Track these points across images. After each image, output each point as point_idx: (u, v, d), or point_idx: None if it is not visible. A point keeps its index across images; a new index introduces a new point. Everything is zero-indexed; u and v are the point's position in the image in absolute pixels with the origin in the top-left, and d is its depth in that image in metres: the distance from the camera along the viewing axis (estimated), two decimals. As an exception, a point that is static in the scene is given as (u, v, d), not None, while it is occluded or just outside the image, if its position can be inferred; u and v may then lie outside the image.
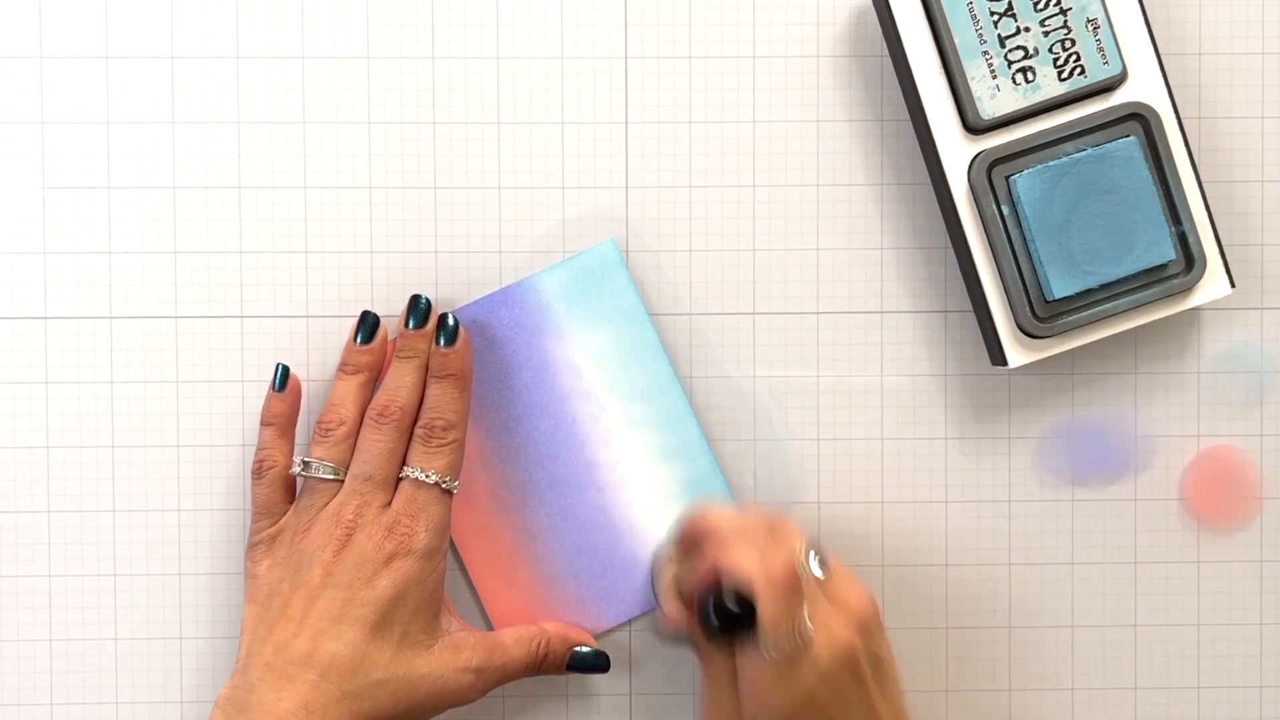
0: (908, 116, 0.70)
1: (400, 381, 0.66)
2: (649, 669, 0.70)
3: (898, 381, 0.70)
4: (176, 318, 0.69)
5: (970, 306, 0.70)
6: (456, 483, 0.65)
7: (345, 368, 0.67)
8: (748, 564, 0.60)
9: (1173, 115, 0.67)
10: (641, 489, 0.69)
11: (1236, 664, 0.71)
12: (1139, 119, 0.66)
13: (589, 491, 0.69)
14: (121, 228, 0.69)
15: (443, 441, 0.65)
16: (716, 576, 0.61)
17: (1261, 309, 0.70)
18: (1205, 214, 0.67)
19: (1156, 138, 0.66)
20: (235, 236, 0.69)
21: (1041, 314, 0.67)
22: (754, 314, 0.70)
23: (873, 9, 0.69)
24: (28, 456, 0.69)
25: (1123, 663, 0.71)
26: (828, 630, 0.60)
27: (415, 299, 0.67)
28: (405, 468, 0.65)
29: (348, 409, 0.66)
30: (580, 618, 0.69)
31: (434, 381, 0.66)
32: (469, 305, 0.69)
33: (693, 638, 0.63)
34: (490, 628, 0.69)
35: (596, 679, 0.70)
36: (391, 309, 0.69)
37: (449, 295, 0.69)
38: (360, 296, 0.69)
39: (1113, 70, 0.66)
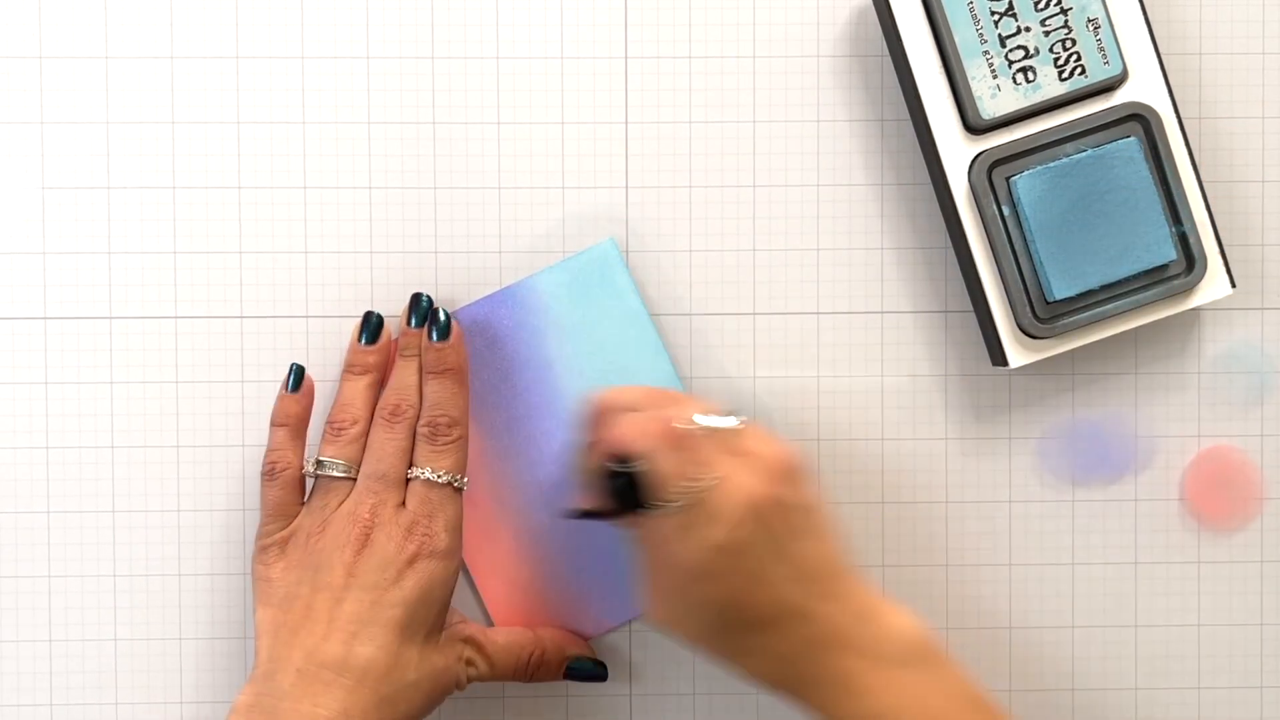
0: (908, 116, 0.69)
1: (407, 380, 0.66)
2: (648, 670, 0.70)
3: (898, 381, 0.70)
4: (176, 318, 0.69)
5: (970, 306, 0.70)
6: (465, 479, 0.65)
7: (352, 369, 0.67)
8: (629, 424, 0.60)
9: (1173, 115, 0.67)
10: (641, 489, 0.69)
11: (1236, 664, 0.71)
12: (1139, 119, 0.66)
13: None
14: (121, 228, 0.69)
15: (448, 439, 0.65)
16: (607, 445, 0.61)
17: (1262, 309, 0.70)
18: (1205, 214, 0.67)
19: (1157, 138, 0.66)
20: (235, 236, 0.69)
21: (1042, 314, 0.67)
22: (754, 314, 0.70)
23: (873, 9, 0.69)
24: (28, 456, 0.69)
25: (1123, 663, 0.71)
26: (729, 481, 0.59)
27: (416, 297, 0.67)
28: (413, 468, 0.65)
29: (359, 409, 0.66)
30: (581, 618, 0.69)
31: (432, 378, 0.66)
32: (469, 305, 0.69)
33: (600, 513, 0.63)
34: (492, 626, 0.69)
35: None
36: (392, 309, 0.69)
37: (449, 295, 0.69)
38: (360, 296, 0.69)
39: (1113, 70, 0.66)
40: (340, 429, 0.66)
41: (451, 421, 0.65)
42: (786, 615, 0.60)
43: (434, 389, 0.66)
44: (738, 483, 0.59)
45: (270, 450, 0.66)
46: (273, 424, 0.67)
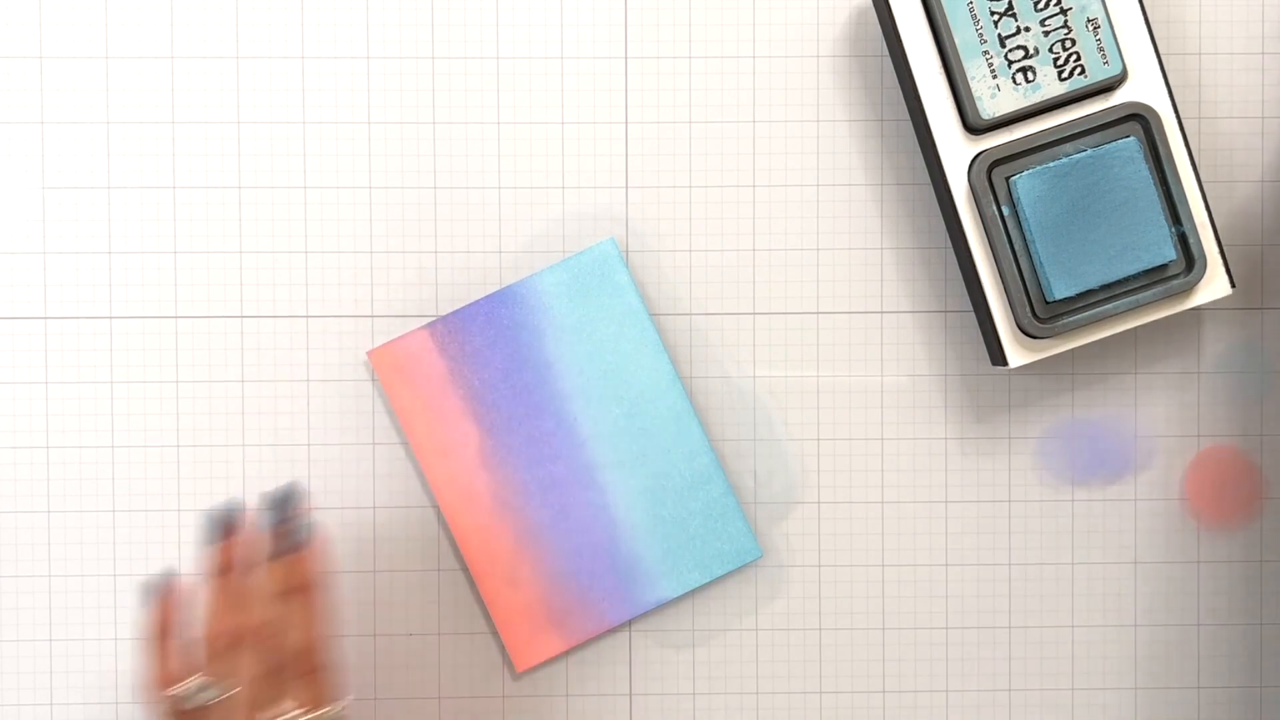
0: (908, 116, 0.69)
1: (256, 596, 0.58)
2: (649, 669, 0.70)
3: (898, 381, 0.70)
4: (176, 318, 0.69)
5: (970, 306, 0.70)
6: (343, 705, 0.58)
7: (209, 570, 0.60)
8: None
9: (1173, 115, 0.67)
10: (642, 489, 0.69)
11: (1236, 664, 0.71)
12: (1139, 119, 0.66)
13: (590, 491, 0.69)
14: (121, 228, 0.69)
15: (309, 669, 0.57)
16: None
17: (1261, 309, 0.70)
18: (1205, 214, 0.67)
19: (1156, 138, 0.66)
20: (235, 236, 0.69)
21: (1042, 314, 0.67)
22: (754, 314, 0.70)
23: (873, 9, 0.69)
24: (28, 456, 0.69)
25: (1123, 663, 0.71)
26: None
27: (276, 493, 0.59)
28: (283, 703, 0.57)
29: (220, 619, 0.58)
30: (582, 617, 0.69)
31: (282, 597, 0.58)
32: (470, 305, 0.69)
33: None
34: (493, 628, 0.69)
35: (596, 679, 0.70)
36: (391, 309, 0.69)
37: (449, 295, 0.69)
38: (360, 296, 0.69)
39: (1113, 70, 0.66)
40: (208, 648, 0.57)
41: (311, 649, 0.57)
42: None
43: (288, 610, 0.57)
44: None
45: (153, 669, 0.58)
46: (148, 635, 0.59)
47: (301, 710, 0.56)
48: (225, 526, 0.59)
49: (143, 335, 0.69)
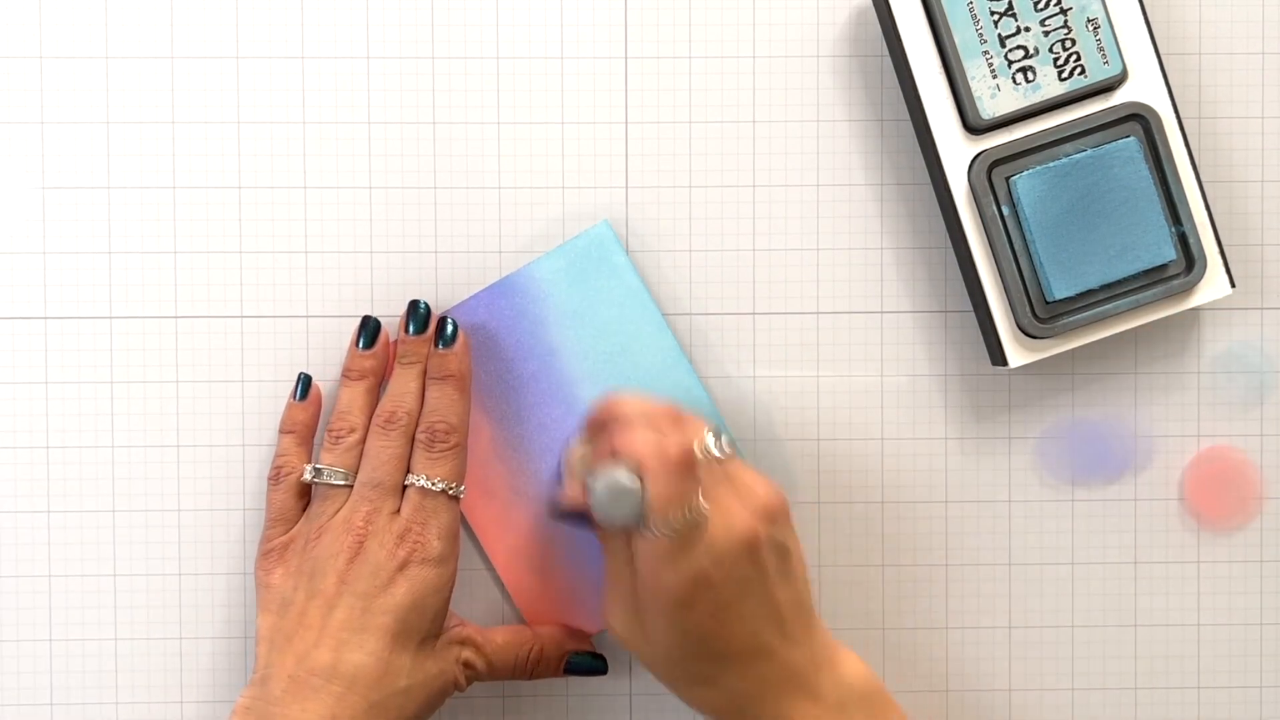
0: (908, 116, 0.69)
1: (404, 387, 0.66)
2: (649, 669, 0.70)
3: (898, 381, 0.70)
4: (176, 318, 0.69)
5: (970, 306, 0.70)
6: (462, 488, 0.65)
7: (349, 374, 0.67)
8: (641, 442, 0.60)
9: (1173, 115, 0.67)
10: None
11: (1236, 664, 0.71)
12: (1139, 119, 0.66)
13: None
14: (121, 228, 0.69)
15: (445, 446, 0.65)
16: (613, 456, 0.61)
17: (1261, 309, 0.71)
18: (1205, 214, 0.67)
19: (1156, 138, 0.66)
20: (235, 236, 0.69)
21: (1042, 314, 0.67)
22: (754, 314, 0.70)
23: (873, 9, 0.69)
24: (28, 456, 0.69)
25: (1123, 663, 0.71)
26: (726, 514, 0.60)
27: (414, 304, 0.67)
28: (410, 475, 0.65)
29: (356, 416, 0.66)
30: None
31: (433, 384, 0.66)
32: (469, 299, 0.69)
33: (587, 518, 0.63)
34: (521, 620, 0.69)
35: (596, 679, 0.70)
36: (391, 309, 0.69)
37: (449, 295, 0.69)
38: (360, 296, 0.69)
39: (1113, 70, 0.66)
40: (338, 437, 0.66)
41: (449, 429, 0.65)
42: (751, 653, 0.60)
43: (435, 395, 0.66)
44: (734, 516, 0.60)
45: (277, 455, 0.67)
46: (280, 430, 0.67)
47: (440, 479, 0.65)
48: (370, 337, 0.67)
49: (143, 335, 0.69)
